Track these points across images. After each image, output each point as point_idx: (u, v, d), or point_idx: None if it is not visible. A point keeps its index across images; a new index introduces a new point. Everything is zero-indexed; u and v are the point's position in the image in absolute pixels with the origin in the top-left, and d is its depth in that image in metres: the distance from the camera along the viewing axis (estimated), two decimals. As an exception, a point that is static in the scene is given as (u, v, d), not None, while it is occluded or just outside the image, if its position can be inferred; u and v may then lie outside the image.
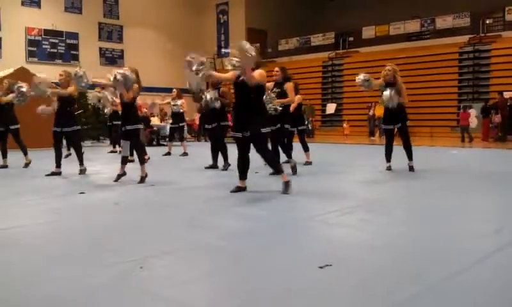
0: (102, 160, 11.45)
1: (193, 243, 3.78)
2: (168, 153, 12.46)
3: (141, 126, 7.63)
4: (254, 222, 4.54)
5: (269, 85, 7.64)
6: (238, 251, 3.58)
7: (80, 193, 6.22)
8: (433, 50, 21.03)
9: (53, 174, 8.01)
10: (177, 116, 12.45)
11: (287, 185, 5.98)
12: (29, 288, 2.81)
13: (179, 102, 12.28)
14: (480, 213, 5.03)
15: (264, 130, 6.05)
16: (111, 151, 13.47)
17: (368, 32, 24.12)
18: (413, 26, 22.96)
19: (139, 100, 8.48)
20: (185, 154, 11.97)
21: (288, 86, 7.74)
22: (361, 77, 7.86)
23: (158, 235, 4.08)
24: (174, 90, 12.63)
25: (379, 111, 20.07)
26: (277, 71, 7.81)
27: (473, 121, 18.35)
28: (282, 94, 7.63)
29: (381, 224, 4.46)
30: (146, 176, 7.15)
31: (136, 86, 7.11)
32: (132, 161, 8.87)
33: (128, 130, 7.19)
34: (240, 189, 6.13)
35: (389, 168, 8.20)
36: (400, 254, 3.44)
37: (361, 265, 3.20)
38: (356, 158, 11.70)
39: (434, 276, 2.91)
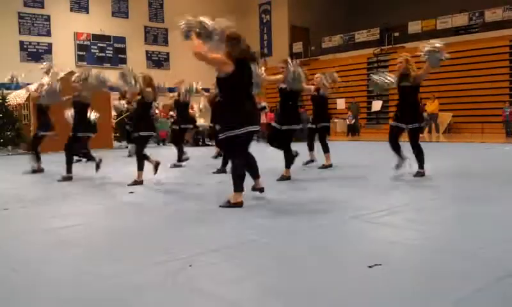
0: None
1: (239, 241, 3.81)
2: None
3: (153, 133, 7.74)
4: (297, 220, 4.53)
5: (280, 77, 7.30)
6: (284, 249, 3.58)
7: (130, 193, 6.36)
8: (482, 44, 20.40)
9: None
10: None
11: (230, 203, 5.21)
12: (81, 286, 2.89)
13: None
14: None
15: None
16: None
17: (414, 27, 23.61)
18: (460, 20, 22.32)
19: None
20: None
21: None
22: (374, 77, 7.55)
23: (205, 233, 4.12)
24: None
25: (431, 107, 19.65)
26: (283, 67, 7.14)
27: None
28: (290, 92, 7.30)
29: (428, 223, 4.35)
30: (141, 183, 7.10)
31: (149, 89, 7.32)
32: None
33: (138, 136, 7.41)
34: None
35: (399, 166, 7.26)
36: (451, 254, 3.35)
37: (410, 265, 3.15)
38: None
39: (487, 278, 2.83)
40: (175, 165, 9.54)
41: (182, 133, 10.46)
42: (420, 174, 7.15)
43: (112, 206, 5.67)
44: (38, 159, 9.29)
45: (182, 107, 10.07)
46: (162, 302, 2.61)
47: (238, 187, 5.16)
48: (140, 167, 7.22)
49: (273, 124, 7.56)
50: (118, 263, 3.29)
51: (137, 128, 7.47)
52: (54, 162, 9.44)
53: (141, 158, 7.28)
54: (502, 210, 4.85)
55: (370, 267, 2.99)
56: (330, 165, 8.67)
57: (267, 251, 3.54)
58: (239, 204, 5.10)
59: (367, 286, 2.75)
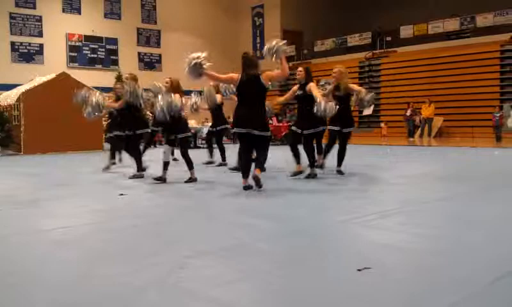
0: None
1: (232, 243, 3.80)
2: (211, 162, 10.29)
3: (189, 134, 8.11)
4: (290, 223, 4.54)
5: (294, 88, 7.71)
6: (277, 251, 3.59)
7: (121, 195, 6.33)
8: (473, 48, 20.58)
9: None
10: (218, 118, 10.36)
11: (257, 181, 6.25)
12: (76, 288, 2.88)
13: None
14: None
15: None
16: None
17: (406, 31, 23.77)
18: (452, 25, 22.51)
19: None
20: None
21: (311, 86, 7.41)
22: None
23: (198, 235, 4.12)
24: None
25: (426, 112, 19.74)
26: (300, 71, 7.61)
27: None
28: (305, 98, 7.44)
29: (421, 226, 4.37)
30: (196, 180, 7.41)
31: (177, 95, 7.31)
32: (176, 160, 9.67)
33: (181, 138, 7.57)
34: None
35: (322, 166, 8.08)
36: (443, 258, 3.37)
37: (403, 269, 3.15)
38: (394, 160, 11.52)
39: (480, 280, 2.85)
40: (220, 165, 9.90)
41: (220, 135, 10.48)
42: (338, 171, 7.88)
43: (106, 208, 5.64)
44: (113, 157, 9.63)
45: (216, 108, 10.04)
46: (157, 304, 2.60)
47: (242, 173, 6.47)
48: (190, 166, 7.48)
49: (293, 128, 7.84)
50: (112, 265, 3.28)
51: (175, 130, 7.54)
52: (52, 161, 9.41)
53: (188, 157, 7.49)
54: (494, 213, 4.88)
55: (359, 270, 3.00)
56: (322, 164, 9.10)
57: (260, 253, 3.54)
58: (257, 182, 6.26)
59: (360, 289, 2.76)
